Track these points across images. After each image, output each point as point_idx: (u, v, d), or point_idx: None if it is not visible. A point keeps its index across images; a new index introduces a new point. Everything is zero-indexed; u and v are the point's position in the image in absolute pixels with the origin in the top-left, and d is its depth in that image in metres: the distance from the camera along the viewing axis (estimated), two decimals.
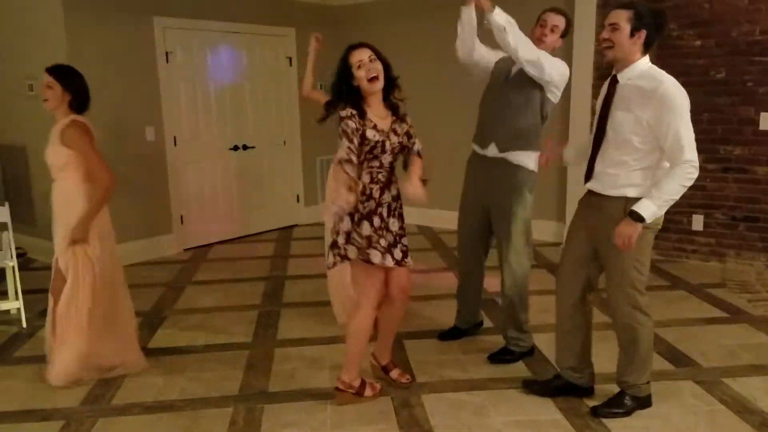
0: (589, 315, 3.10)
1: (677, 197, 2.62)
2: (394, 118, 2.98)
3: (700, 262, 5.34)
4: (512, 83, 3.31)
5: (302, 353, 3.72)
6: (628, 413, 2.95)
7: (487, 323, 4.05)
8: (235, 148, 6.48)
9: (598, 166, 2.81)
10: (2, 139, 5.99)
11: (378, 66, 2.86)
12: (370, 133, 2.85)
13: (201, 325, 4.20)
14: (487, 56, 3.44)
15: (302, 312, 4.40)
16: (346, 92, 2.88)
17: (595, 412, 2.96)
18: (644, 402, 3.00)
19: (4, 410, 3.13)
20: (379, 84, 2.87)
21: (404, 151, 3.00)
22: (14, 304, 4.24)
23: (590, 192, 2.89)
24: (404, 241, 3.03)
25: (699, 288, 4.73)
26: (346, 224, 2.89)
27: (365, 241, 2.89)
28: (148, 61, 5.66)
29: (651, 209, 2.59)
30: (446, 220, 5.54)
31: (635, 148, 2.68)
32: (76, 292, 3.27)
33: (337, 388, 3.11)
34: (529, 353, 3.57)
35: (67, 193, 3.30)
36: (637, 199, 2.65)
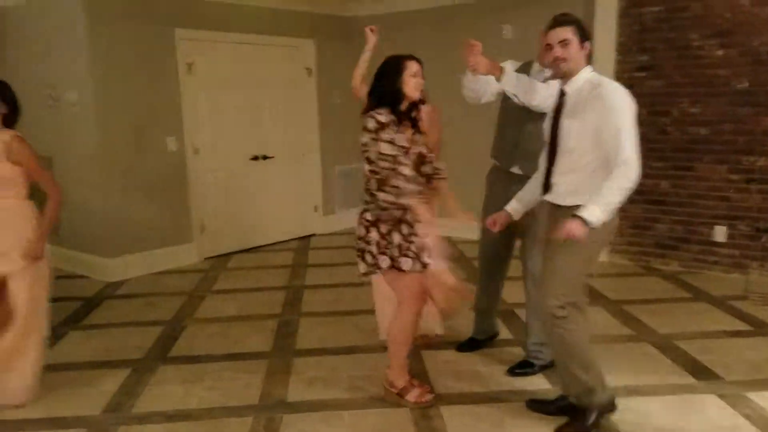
0: None
1: (618, 200, 2.58)
2: (413, 129, 3.05)
3: (722, 274, 5.27)
4: (529, 109, 3.28)
5: (321, 363, 3.73)
6: (595, 425, 2.88)
7: (506, 335, 4.03)
8: (255, 158, 6.53)
9: (554, 178, 2.82)
10: None
11: (422, 83, 3.01)
12: (399, 140, 2.92)
13: (221, 334, 4.23)
14: (493, 88, 3.41)
15: (321, 321, 4.41)
16: (390, 96, 2.94)
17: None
18: (606, 408, 2.93)
19: (26, 418, 3.17)
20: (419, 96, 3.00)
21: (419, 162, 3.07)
22: None
23: (551, 204, 2.89)
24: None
25: (721, 300, 4.67)
26: (397, 238, 2.97)
27: (397, 249, 2.98)
28: (170, 72, 5.74)
29: (595, 213, 2.55)
30: (465, 229, 5.52)
31: (584, 155, 2.70)
32: (39, 305, 3.24)
33: (384, 385, 3.26)
34: (550, 365, 3.54)
35: (17, 210, 3.17)
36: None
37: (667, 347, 3.82)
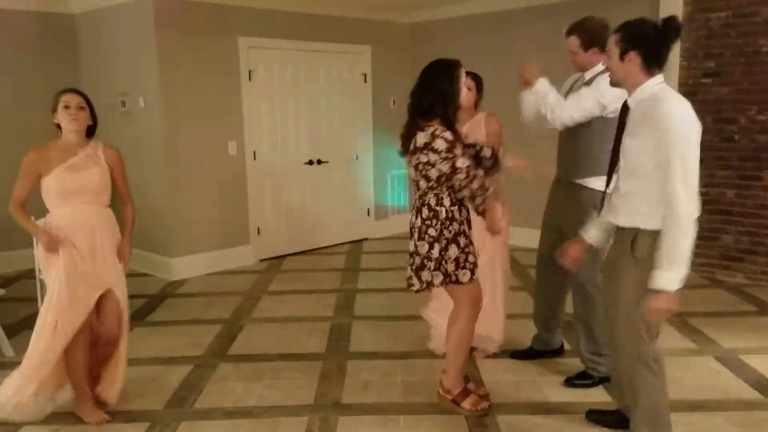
0: None
1: (683, 247, 2.31)
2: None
3: None
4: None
5: (374, 366, 3.75)
6: None
7: (565, 345, 3.96)
8: (310, 162, 6.63)
9: (613, 197, 2.62)
10: None
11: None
12: (458, 156, 2.92)
13: (276, 334, 4.31)
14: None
15: (373, 325, 4.44)
16: (445, 107, 2.93)
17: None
18: None
19: None
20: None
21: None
22: None
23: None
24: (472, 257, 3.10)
25: None
26: (454, 251, 2.97)
27: (453, 264, 2.97)
28: (233, 79, 5.89)
29: (670, 278, 2.31)
30: (520, 237, 5.47)
31: (643, 175, 2.45)
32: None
33: (438, 392, 3.24)
34: (608, 379, 3.47)
35: (111, 218, 3.22)
36: (647, 231, 2.44)
37: (732, 362, 3.70)
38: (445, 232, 2.96)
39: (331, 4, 6.39)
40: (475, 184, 2.89)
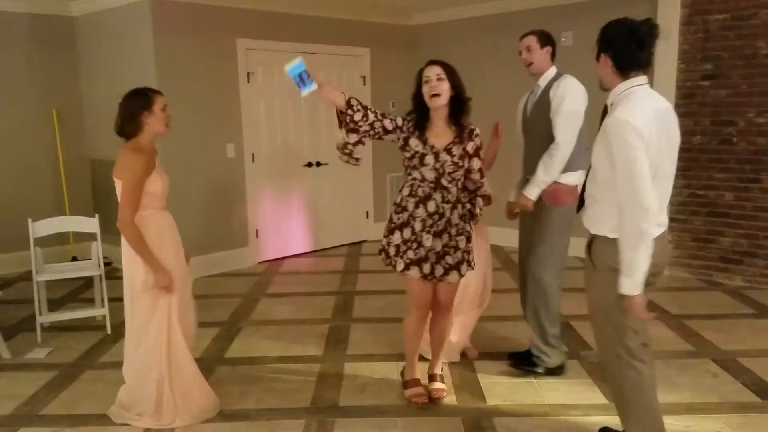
0: None
1: (637, 258, 2.29)
2: (457, 139, 3.00)
3: None
4: (531, 119, 3.49)
5: (372, 368, 3.74)
6: None
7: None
8: (309, 164, 6.63)
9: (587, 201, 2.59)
10: (94, 154, 6.35)
11: (443, 86, 2.94)
12: (413, 142, 2.99)
13: (274, 337, 4.30)
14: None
15: (372, 328, 4.43)
16: (416, 104, 3.04)
17: None
18: None
19: (89, 413, 3.28)
20: (439, 101, 2.93)
21: (460, 171, 3.03)
22: (101, 311, 4.44)
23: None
24: (449, 259, 3.07)
25: None
26: (396, 237, 3.08)
27: (394, 249, 3.09)
28: (231, 81, 5.88)
29: (625, 283, 2.32)
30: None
31: (600, 180, 2.43)
32: None
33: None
34: (555, 372, 3.54)
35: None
36: (600, 237, 2.46)
37: (730, 364, 3.69)
38: (394, 217, 3.10)
39: (330, 7, 6.39)
40: (475, 179, 3.10)
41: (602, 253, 2.45)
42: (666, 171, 2.40)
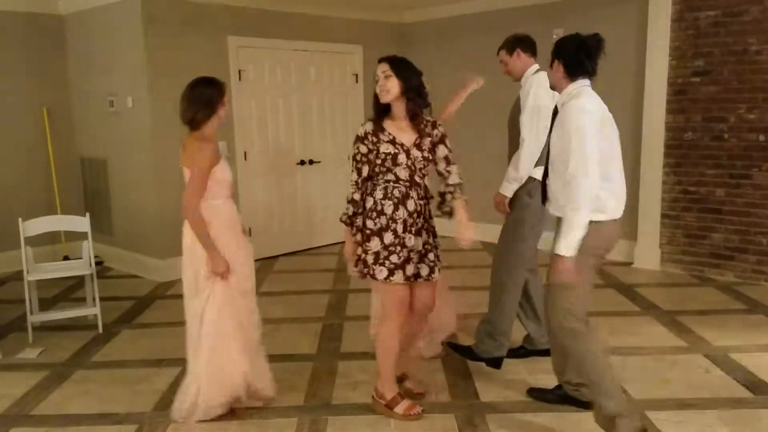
0: None
1: (577, 222, 2.64)
2: (421, 133, 2.97)
3: None
4: (511, 119, 3.58)
5: (365, 367, 3.73)
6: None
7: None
8: (302, 162, 6.61)
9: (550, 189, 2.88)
10: (85, 152, 6.31)
11: (388, 83, 2.91)
12: (383, 147, 2.94)
13: (267, 335, 4.21)
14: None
15: (365, 325, 4.39)
16: (374, 103, 3.00)
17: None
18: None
19: (81, 413, 3.27)
20: (387, 97, 2.92)
21: (429, 165, 3.00)
22: (92, 310, 4.42)
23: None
24: (431, 256, 3.02)
25: None
26: (375, 244, 2.94)
27: (372, 257, 2.94)
28: (222, 79, 5.82)
29: (560, 244, 2.68)
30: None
31: (557, 169, 2.75)
32: None
33: (372, 396, 3.20)
34: (492, 364, 3.57)
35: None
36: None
37: (722, 360, 3.71)
38: (369, 223, 2.95)
39: (322, 4, 6.37)
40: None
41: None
42: (618, 162, 2.76)
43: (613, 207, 2.72)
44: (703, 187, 5.37)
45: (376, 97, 2.96)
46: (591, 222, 2.62)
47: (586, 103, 2.66)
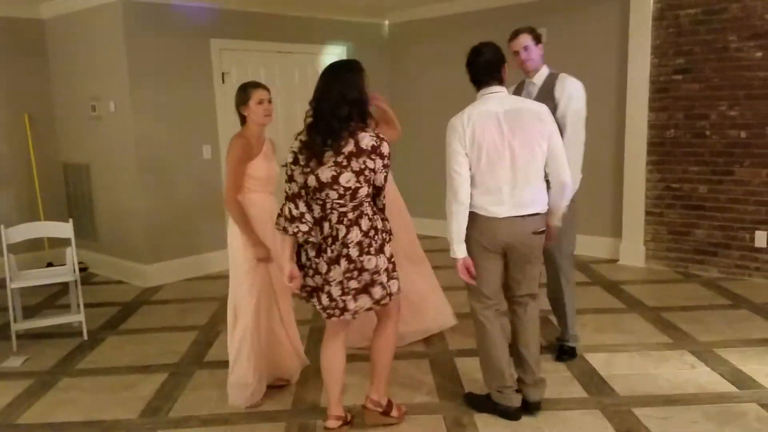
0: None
1: (451, 231, 2.96)
2: None
3: (764, 280, 5.12)
4: None
5: (353, 369, 3.69)
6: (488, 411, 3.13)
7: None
8: (285, 165, 6.57)
9: None
10: (67, 157, 6.25)
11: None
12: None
13: None
14: None
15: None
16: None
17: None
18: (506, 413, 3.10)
19: (67, 420, 3.24)
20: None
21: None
22: (77, 317, 4.38)
23: None
24: (336, 288, 2.70)
25: (763, 307, 4.54)
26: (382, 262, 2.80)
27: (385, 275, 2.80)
28: (205, 82, 5.83)
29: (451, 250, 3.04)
30: None
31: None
32: None
33: (364, 407, 3.05)
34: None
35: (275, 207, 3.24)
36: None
37: (707, 355, 3.74)
38: (374, 242, 2.73)
39: (305, 6, 6.34)
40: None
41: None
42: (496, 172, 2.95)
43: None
44: (686, 184, 5.42)
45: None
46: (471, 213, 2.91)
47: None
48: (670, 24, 5.35)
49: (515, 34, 3.47)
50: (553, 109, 3.24)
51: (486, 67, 2.95)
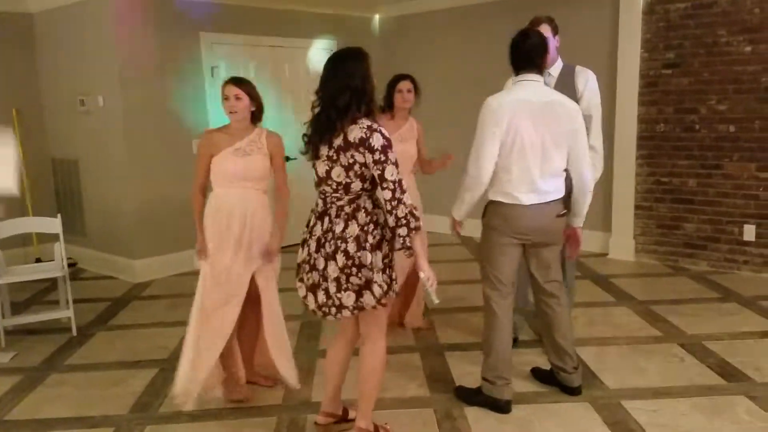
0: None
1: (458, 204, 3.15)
2: None
3: (752, 274, 5.16)
4: None
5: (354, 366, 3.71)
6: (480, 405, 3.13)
7: (526, 336, 3.99)
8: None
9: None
10: (56, 153, 6.20)
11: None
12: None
13: None
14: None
15: None
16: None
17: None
18: (497, 405, 3.11)
19: (56, 417, 3.22)
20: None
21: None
22: (65, 313, 4.35)
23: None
24: (332, 286, 2.60)
25: (752, 300, 4.58)
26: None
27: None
28: (195, 76, 5.79)
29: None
30: None
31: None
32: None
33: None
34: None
35: (265, 205, 3.31)
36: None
37: (696, 348, 3.76)
38: (371, 237, 2.55)
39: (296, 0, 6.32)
40: (401, 211, 2.45)
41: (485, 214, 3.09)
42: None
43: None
44: (675, 178, 5.44)
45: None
46: (492, 202, 3.00)
47: (494, 98, 2.95)
48: (660, 18, 5.36)
49: (536, 23, 3.42)
50: (575, 101, 3.21)
51: (529, 53, 2.94)
